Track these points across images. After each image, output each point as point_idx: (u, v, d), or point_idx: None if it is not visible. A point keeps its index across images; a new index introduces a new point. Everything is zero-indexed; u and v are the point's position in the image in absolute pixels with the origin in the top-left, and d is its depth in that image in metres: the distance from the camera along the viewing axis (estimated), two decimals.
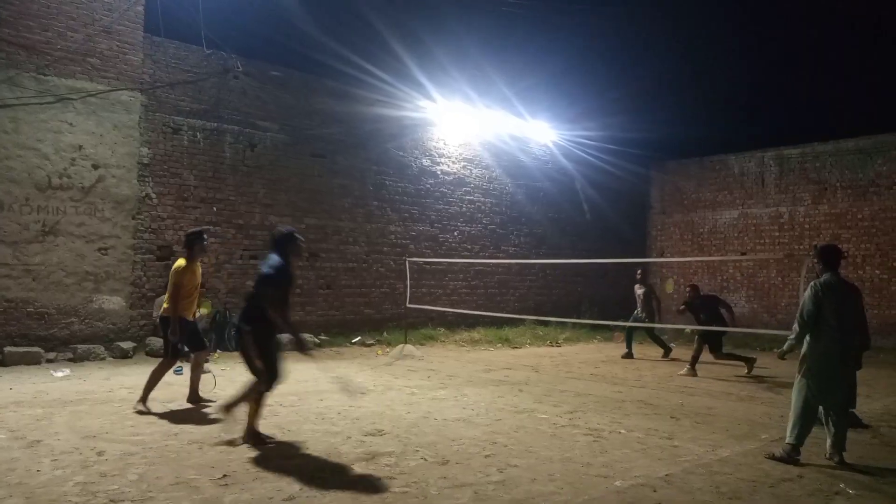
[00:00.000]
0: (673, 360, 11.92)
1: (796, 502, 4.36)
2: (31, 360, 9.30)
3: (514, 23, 20.17)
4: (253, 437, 5.41)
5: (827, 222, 16.22)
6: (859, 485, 4.75)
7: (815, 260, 5.72)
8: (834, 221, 16.11)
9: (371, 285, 13.84)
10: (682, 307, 10.93)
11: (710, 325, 10.22)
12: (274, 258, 5.44)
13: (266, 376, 5.36)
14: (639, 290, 12.36)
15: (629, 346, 12.24)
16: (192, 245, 6.88)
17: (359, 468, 4.82)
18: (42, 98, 9.94)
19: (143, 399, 6.64)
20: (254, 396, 5.42)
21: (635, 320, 12.26)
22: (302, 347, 5.35)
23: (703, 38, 21.03)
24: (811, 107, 20.78)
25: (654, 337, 12.55)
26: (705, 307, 10.62)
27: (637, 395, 8.22)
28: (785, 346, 5.72)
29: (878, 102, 19.04)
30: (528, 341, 14.20)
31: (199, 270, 7.06)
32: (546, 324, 14.98)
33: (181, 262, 6.81)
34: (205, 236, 7.02)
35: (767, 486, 4.66)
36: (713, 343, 10.37)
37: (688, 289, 11.12)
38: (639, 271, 12.82)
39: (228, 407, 5.56)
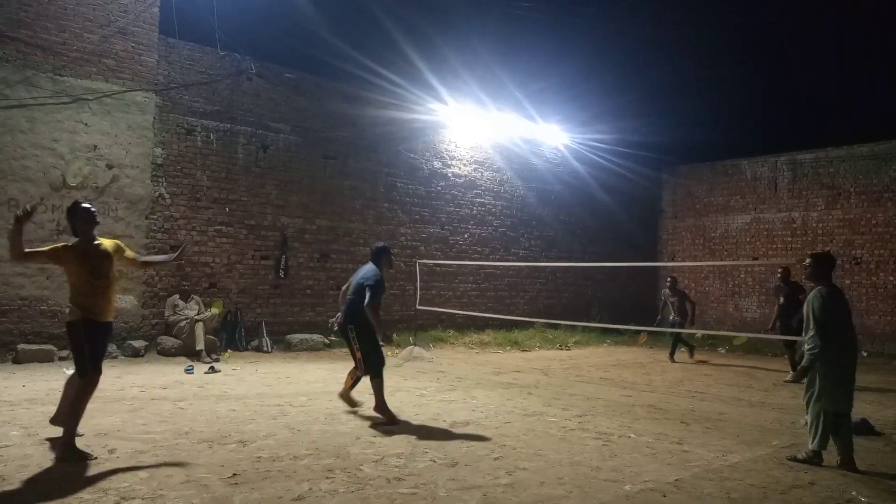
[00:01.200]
0: (700, 361, 12.46)
1: None
2: (44, 358, 9.39)
3: (526, 26, 20.18)
4: (346, 398, 6.75)
5: (840, 228, 16.10)
6: (871, 492, 4.71)
7: (812, 268, 5.62)
8: (847, 227, 15.99)
9: None
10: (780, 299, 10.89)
11: (789, 310, 10.37)
12: (373, 269, 6.66)
13: (368, 364, 6.48)
14: (672, 298, 12.47)
15: (674, 352, 12.54)
16: (71, 219, 5.26)
17: (368, 469, 4.83)
18: (58, 98, 10.05)
19: (69, 435, 4.91)
20: (355, 379, 6.66)
21: (673, 325, 12.40)
22: (385, 339, 6.82)
23: (716, 41, 20.95)
24: (825, 111, 20.64)
25: (684, 339, 12.77)
26: (785, 291, 10.72)
27: (647, 400, 8.19)
28: (806, 362, 5.45)
29: (893, 107, 18.90)
30: (538, 344, 14.18)
31: (97, 253, 5.16)
32: (556, 327, 14.95)
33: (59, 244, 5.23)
34: (85, 208, 5.20)
35: (778, 493, 4.62)
36: (784, 327, 10.51)
37: (780, 270, 11.24)
38: (669, 278, 12.99)
39: (382, 409, 6.40)
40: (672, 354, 12.49)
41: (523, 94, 16.05)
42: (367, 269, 6.73)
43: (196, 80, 11.51)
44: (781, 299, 10.69)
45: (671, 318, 12.46)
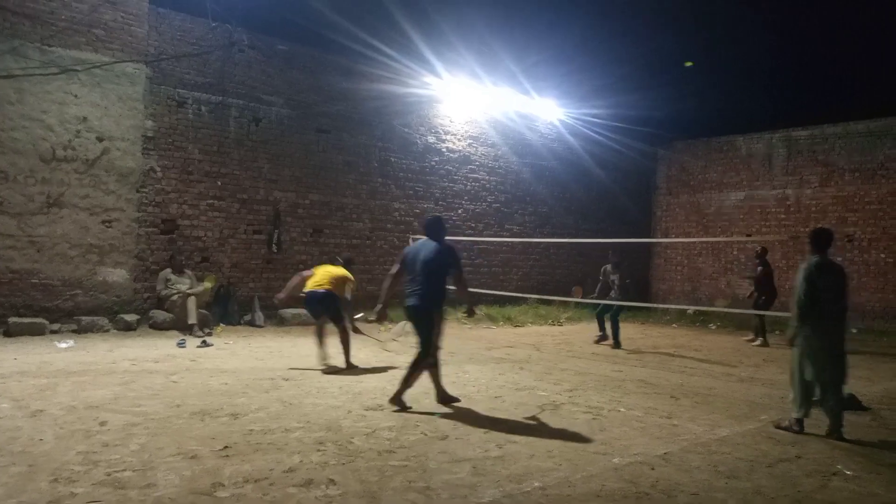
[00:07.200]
0: (607, 345, 11.05)
1: (794, 482, 4.38)
2: (36, 331, 9.36)
3: None
4: (445, 397, 6.17)
5: (834, 205, 16.12)
6: (857, 466, 4.77)
7: (809, 243, 5.90)
8: (841, 204, 16.00)
9: (374, 262, 13.84)
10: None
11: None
12: (447, 248, 6.15)
13: (434, 349, 6.01)
14: (613, 275, 11.06)
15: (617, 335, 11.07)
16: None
17: (359, 441, 4.86)
18: (46, 69, 9.90)
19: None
20: (427, 368, 6.04)
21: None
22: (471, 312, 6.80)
23: (713, 15, 20.73)
24: (821, 88, 20.52)
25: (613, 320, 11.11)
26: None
27: (637, 375, 8.25)
28: (789, 332, 5.78)
29: (889, 84, 18.78)
30: (531, 320, 14.23)
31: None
32: (549, 303, 14.99)
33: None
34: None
35: (765, 466, 4.68)
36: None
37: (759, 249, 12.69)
38: (612, 252, 11.48)
39: (399, 396, 5.96)
40: (615, 338, 10.89)
41: (519, 68, 15.88)
42: (439, 249, 6.05)
43: (187, 51, 11.34)
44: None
45: (612, 295, 10.99)
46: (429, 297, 5.96)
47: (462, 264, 6.35)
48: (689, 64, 17.09)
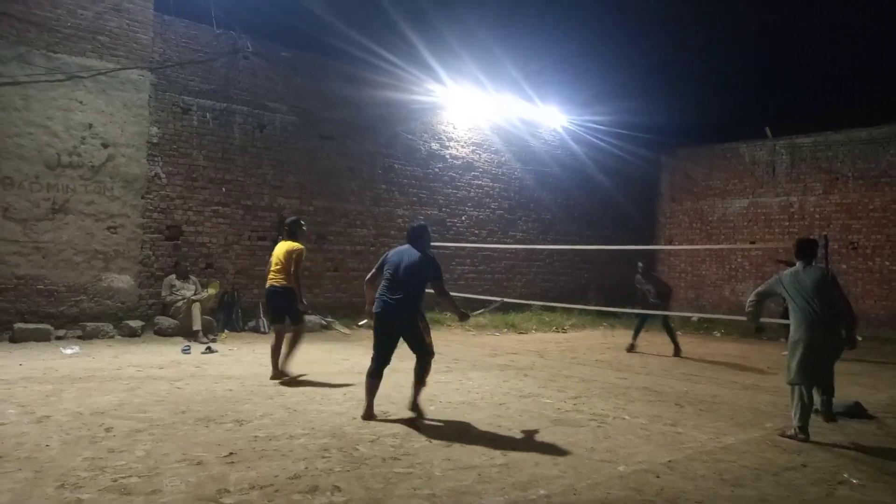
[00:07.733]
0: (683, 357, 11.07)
1: (800, 490, 4.37)
2: (41, 337, 9.38)
3: (525, 4, 20.00)
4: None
5: (837, 212, 16.10)
6: (863, 474, 4.75)
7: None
8: (845, 211, 15.98)
9: None
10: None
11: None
12: (428, 258, 6.10)
13: (430, 347, 6.03)
14: (647, 285, 11.23)
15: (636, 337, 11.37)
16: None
17: (363, 448, 4.86)
18: (52, 76, 9.95)
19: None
20: (428, 370, 6.02)
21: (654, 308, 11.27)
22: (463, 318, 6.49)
23: (717, 21, 20.79)
24: (824, 94, 20.54)
25: (670, 329, 11.35)
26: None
27: (642, 382, 8.23)
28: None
29: (893, 91, 18.79)
30: (534, 327, 14.22)
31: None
32: (552, 310, 14.99)
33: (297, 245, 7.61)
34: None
35: (771, 474, 4.66)
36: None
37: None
38: (640, 264, 11.51)
39: (416, 403, 5.99)
40: (634, 338, 11.21)
41: (522, 75, 15.92)
42: (421, 258, 6.01)
43: (192, 58, 11.40)
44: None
45: (651, 301, 11.11)
46: (410, 304, 5.91)
47: (442, 274, 6.21)
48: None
